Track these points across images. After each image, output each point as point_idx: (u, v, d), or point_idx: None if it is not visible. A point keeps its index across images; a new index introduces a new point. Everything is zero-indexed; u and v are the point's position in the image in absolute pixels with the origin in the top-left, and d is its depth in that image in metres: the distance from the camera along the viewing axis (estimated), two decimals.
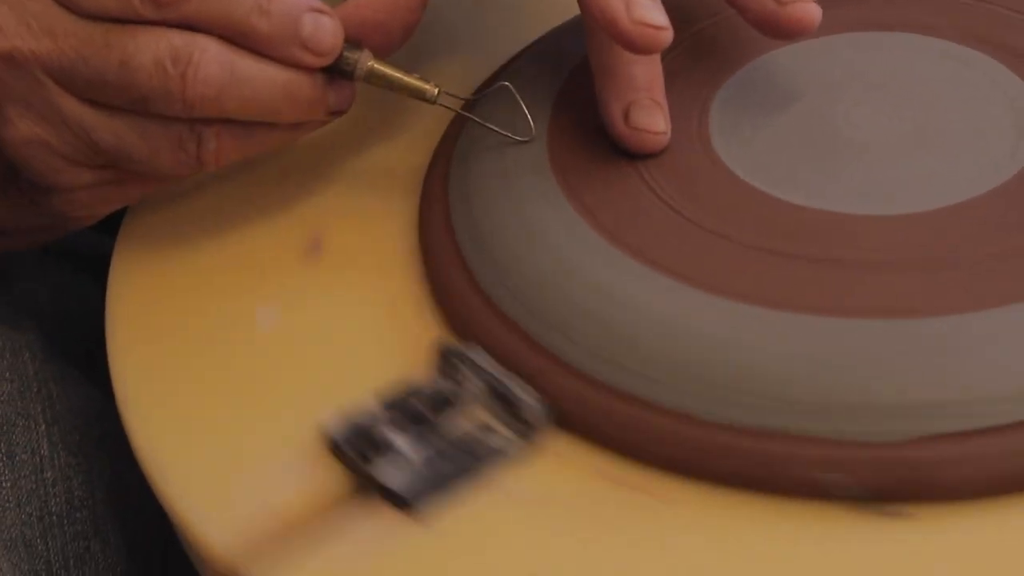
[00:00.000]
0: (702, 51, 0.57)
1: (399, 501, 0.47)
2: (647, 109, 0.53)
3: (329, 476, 0.48)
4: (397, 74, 0.54)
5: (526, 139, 0.54)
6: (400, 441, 0.47)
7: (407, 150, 0.60)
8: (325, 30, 0.52)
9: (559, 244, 0.51)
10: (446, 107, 0.55)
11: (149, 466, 0.50)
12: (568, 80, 0.57)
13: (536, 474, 0.47)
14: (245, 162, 0.56)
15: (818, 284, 0.48)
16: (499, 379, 0.49)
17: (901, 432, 0.44)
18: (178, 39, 0.50)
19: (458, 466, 0.47)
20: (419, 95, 0.54)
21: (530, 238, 0.52)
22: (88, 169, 0.53)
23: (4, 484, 0.58)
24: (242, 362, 0.53)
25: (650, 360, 0.47)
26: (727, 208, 0.51)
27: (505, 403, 0.49)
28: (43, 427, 0.59)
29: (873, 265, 0.48)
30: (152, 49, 0.50)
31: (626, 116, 0.53)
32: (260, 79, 0.51)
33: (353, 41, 0.53)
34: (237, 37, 0.51)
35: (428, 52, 0.62)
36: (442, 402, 0.49)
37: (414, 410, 0.48)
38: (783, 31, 0.53)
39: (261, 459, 0.49)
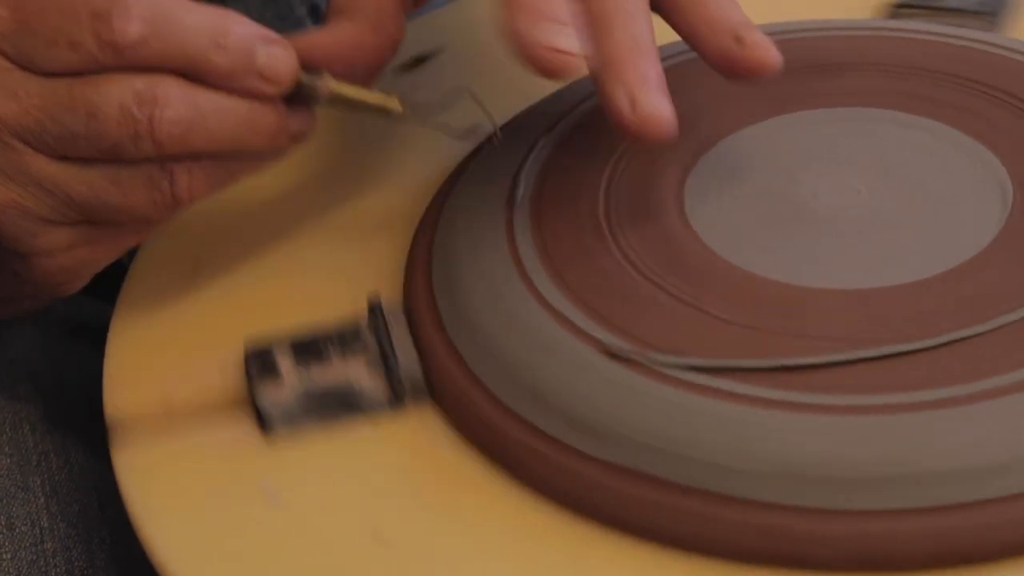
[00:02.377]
0: (680, 124, 0.58)
1: (261, 421, 0.53)
2: (653, 92, 0.52)
3: (332, 545, 0.49)
4: (359, 93, 0.55)
5: (491, 140, 0.56)
6: (286, 370, 0.53)
7: (401, 195, 0.62)
8: (279, 58, 0.53)
9: (525, 312, 0.52)
10: (417, 121, 0.55)
11: (147, 536, 0.51)
12: (557, 143, 0.58)
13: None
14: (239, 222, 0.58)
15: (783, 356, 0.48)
16: (392, 339, 0.53)
17: (889, 502, 0.45)
18: (140, 83, 0.51)
19: (326, 408, 0.53)
20: (383, 111, 0.55)
21: (497, 302, 0.53)
22: (64, 227, 0.54)
23: (4, 556, 0.58)
24: (241, 432, 0.54)
25: (604, 427, 0.48)
26: (702, 281, 0.52)
27: (387, 363, 0.53)
28: (42, 499, 0.60)
29: (846, 340, 0.48)
30: (117, 96, 0.51)
31: (632, 104, 0.52)
32: (223, 112, 0.52)
33: (312, 68, 0.54)
34: (196, 74, 0.52)
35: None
36: (342, 347, 0.54)
37: (314, 347, 0.54)
38: (742, 72, 0.53)
39: (260, 531, 0.50)
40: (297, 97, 0.54)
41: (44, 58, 0.51)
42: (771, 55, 0.53)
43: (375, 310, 0.55)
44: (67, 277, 0.56)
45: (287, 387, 0.53)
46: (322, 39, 0.55)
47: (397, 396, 0.53)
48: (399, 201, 0.62)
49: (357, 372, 0.53)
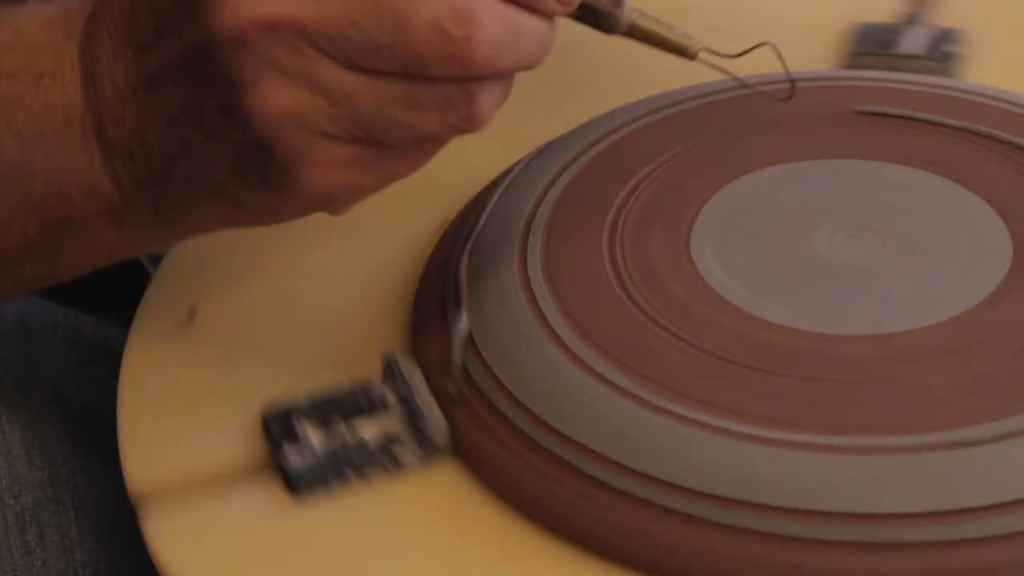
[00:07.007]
0: (686, 173, 0.60)
1: (290, 484, 0.53)
2: None
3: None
4: (660, 28, 0.52)
5: (784, 99, 0.55)
6: (309, 432, 0.54)
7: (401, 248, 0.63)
8: None
9: (546, 358, 0.53)
10: (708, 64, 0.53)
11: (162, 561, 0.53)
12: (566, 188, 0.60)
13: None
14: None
15: (811, 401, 0.50)
16: (414, 395, 0.54)
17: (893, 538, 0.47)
18: None
19: (353, 466, 0.53)
20: (680, 51, 0.52)
21: (522, 350, 0.54)
22: (340, 143, 0.50)
23: (35, 563, 0.60)
24: (250, 459, 0.55)
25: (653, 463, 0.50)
26: (712, 327, 0.53)
27: (414, 419, 0.53)
28: (72, 512, 0.61)
29: (858, 383, 0.50)
30: (431, 9, 0.47)
31: None
32: (531, 33, 0.49)
33: None
34: None
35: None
36: (362, 405, 0.54)
37: (334, 407, 0.54)
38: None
39: (270, 547, 0.52)
40: (595, 23, 0.52)
41: None
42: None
43: (392, 367, 0.55)
44: (329, 201, 0.52)
45: (309, 449, 0.53)
46: None
47: (427, 452, 0.53)
48: (398, 255, 0.63)
49: (381, 430, 0.53)
